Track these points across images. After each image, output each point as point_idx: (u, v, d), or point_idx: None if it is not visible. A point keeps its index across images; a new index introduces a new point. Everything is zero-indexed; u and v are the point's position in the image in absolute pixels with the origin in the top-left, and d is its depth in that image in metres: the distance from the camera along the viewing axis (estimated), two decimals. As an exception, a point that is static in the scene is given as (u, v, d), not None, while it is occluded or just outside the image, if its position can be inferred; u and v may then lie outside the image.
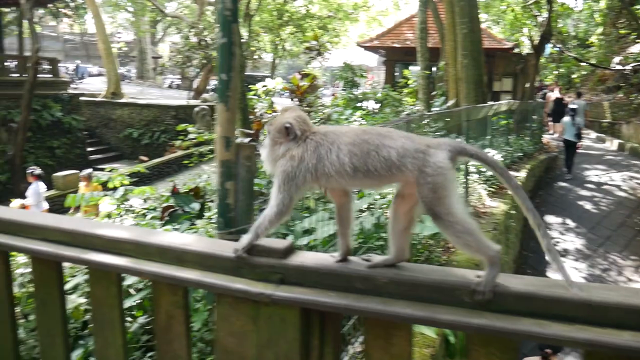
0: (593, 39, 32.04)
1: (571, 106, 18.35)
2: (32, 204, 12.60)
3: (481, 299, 1.51)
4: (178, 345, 1.90)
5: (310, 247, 4.70)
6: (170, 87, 49.22)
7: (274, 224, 1.77)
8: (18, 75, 23.10)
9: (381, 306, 1.55)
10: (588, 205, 14.02)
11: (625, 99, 25.26)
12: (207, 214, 6.24)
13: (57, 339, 2.21)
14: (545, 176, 16.28)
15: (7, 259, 2.27)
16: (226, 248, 1.84)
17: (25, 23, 28.38)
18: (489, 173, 10.61)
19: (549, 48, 26.69)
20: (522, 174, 12.37)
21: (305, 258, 1.76)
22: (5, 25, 29.02)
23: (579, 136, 16.68)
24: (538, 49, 19.94)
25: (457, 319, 1.48)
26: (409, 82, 17.03)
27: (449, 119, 7.96)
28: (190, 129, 11.89)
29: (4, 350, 2.26)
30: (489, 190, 10.03)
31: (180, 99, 32.05)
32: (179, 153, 23.08)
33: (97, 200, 9.02)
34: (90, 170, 13.77)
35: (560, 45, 24.43)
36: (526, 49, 28.78)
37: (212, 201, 6.64)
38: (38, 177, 12.86)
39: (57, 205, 16.55)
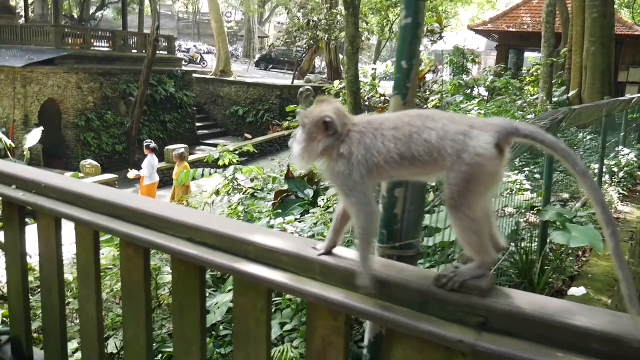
0: None
1: None
2: (146, 175, 13.21)
3: (443, 283, 1.42)
4: (333, 374, 1.63)
5: (434, 251, 4.34)
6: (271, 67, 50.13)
7: (373, 230, 1.60)
8: (137, 51, 24.46)
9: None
10: None
11: None
12: (321, 202, 6.06)
13: (194, 346, 2.03)
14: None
15: (148, 256, 2.12)
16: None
17: (146, 1, 29.97)
18: (621, 174, 9.59)
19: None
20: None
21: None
22: (128, 3, 30.75)
23: None
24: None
25: None
26: (534, 69, 15.82)
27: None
28: (299, 109, 11.80)
29: (137, 353, 2.13)
30: (621, 193, 9.04)
31: (282, 79, 32.45)
32: (282, 132, 23.37)
33: (208, 177, 9.17)
34: (182, 149, 14.04)
35: None
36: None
37: (325, 189, 6.44)
38: (153, 150, 13.43)
39: (166, 177, 17.40)
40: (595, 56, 15.55)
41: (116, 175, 16.27)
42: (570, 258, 5.44)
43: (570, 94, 16.37)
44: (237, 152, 9.66)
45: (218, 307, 3.97)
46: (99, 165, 17.03)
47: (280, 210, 5.40)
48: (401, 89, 1.82)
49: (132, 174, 13.47)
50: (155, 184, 13.56)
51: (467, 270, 1.46)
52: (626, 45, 24.13)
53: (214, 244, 1.84)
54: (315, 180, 6.61)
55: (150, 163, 13.30)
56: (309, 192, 6.02)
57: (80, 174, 15.54)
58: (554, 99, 15.44)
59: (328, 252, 1.69)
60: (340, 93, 12.68)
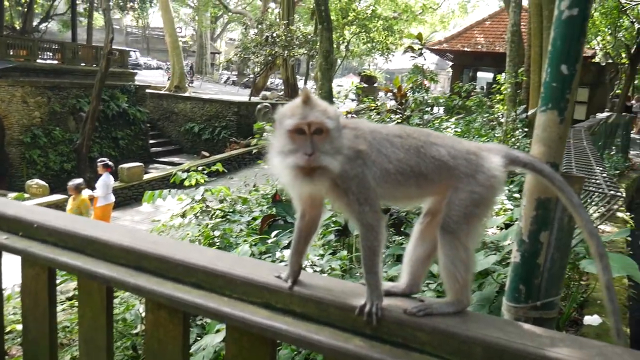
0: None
1: None
2: (100, 196, 12.37)
3: (410, 312, 1.33)
4: None
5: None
6: (226, 83, 49.52)
7: (382, 249, 1.43)
8: (87, 65, 23.40)
9: None
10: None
11: None
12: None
13: None
14: (637, 197, 14.97)
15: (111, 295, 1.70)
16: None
17: (95, 14, 28.86)
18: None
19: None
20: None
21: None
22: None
23: None
24: (634, 57, 18.47)
25: None
26: (503, 88, 16.05)
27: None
28: (267, 127, 11.35)
29: None
30: (599, 212, 9.02)
31: (237, 95, 31.88)
32: (240, 150, 22.80)
33: (181, 200, 8.54)
34: (80, 180, 12.04)
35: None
36: (602, 57, 27.29)
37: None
38: (109, 169, 12.61)
39: (120, 197, 16.48)
40: (553, 76, 15.90)
41: (66, 196, 15.25)
42: (574, 283, 5.22)
43: (529, 112, 16.66)
44: (206, 171, 9.07)
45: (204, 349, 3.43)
46: (46, 185, 15.95)
47: (270, 237, 4.92)
48: (558, 102, 1.44)
49: (84, 194, 12.57)
50: (110, 205, 12.73)
51: (440, 304, 1.37)
52: (574, 66, 25.07)
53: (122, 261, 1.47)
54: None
55: (106, 182, 12.47)
56: (298, 216, 5.59)
57: (26, 195, 14.48)
58: (510, 118, 15.65)
59: (295, 280, 1.47)
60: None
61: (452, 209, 1.36)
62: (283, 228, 5.24)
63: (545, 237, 1.49)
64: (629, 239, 10.04)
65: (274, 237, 4.73)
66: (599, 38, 29.49)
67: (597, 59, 26.45)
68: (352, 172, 1.37)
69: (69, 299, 5.89)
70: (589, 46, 28.62)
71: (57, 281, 4.28)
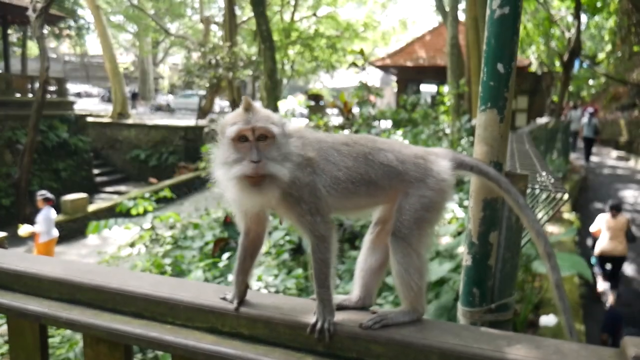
0: (601, 56, 31.93)
1: (589, 110, 21.85)
2: (42, 231, 11.81)
3: (365, 326, 1.28)
4: None
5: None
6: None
7: (334, 261, 1.38)
8: (22, 95, 22.49)
9: None
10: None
11: (643, 116, 24.82)
12: (264, 248, 5.51)
13: None
14: (580, 198, 15.59)
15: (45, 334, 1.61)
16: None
17: (30, 43, 27.90)
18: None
19: (577, 64, 26.51)
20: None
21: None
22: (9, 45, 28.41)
23: (596, 133, 21.65)
24: (567, 65, 19.39)
25: None
26: (446, 99, 16.50)
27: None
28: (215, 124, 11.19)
29: None
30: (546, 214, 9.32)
31: (183, 119, 31.45)
32: (189, 175, 22.40)
33: (129, 228, 8.24)
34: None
35: (588, 62, 24.03)
36: (537, 66, 28.55)
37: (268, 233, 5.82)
38: (50, 202, 12.06)
39: (65, 231, 15.79)
40: (493, 86, 16.48)
41: (5, 233, 14.44)
42: (528, 285, 5.31)
43: (473, 122, 17.15)
44: (153, 198, 8.81)
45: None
46: (-17, 222, 15.10)
47: (222, 260, 4.78)
48: (497, 100, 1.43)
49: (24, 230, 11.96)
50: (54, 240, 12.16)
51: (396, 314, 1.31)
52: (512, 75, 26.13)
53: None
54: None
55: (47, 217, 11.91)
56: (250, 237, 5.48)
57: (-38, 234, 13.65)
58: (456, 128, 16.11)
59: (242, 300, 1.41)
60: (253, 130, 12.29)
61: (403, 214, 1.32)
62: (235, 250, 5.12)
63: (494, 238, 1.48)
64: (577, 238, 10.41)
65: (226, 260, 4.59)
66: (533, 48, 30.91)
67: (533, 69, 27.60)
68: (304, 180, 1.30)
69: (7, 342, 5.51)
70: (524, 56, 29.92)
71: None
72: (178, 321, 1.41)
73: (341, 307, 1.41)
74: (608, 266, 9.72)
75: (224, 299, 1.42)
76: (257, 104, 1.40)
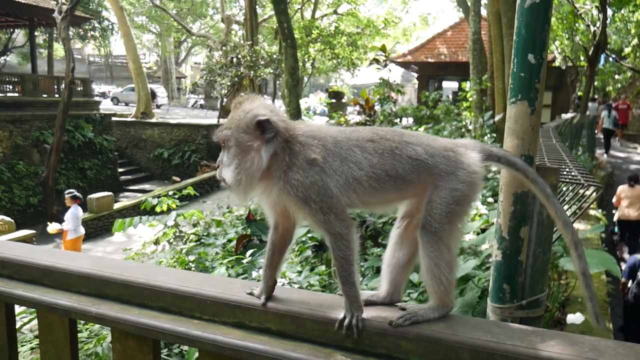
0: (627, 50, 31.29)
1: (608, 103, 22.51)
2: (70, 229, 12.04)
3: (396, 323, 1.26)
4: None
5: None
6: (194, 106, 49.20)
7: (356, 258, 1.36)
8: (49, 96, 22.92)
9: None
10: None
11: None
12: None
13: None
14: (606, 194, 15.28)
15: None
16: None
17: (56, 44, 28.43)
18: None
19: (603, 59, 26.01)
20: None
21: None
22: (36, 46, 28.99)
23: (616, 125, 22.22)
24: (593, 59, 19.00)
25: None
26: (468, 95, 16.29)
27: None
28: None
29: None
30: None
31: (205, 118, 31.68)
32: (212, 173, 22.57)
33: (153, 226, 8.33)
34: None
35: (614, 56, 23.57)
36: (561, 61, 28.09)
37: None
38: (77, 200, 12.28)
39: (91, 229, 16.06)
40: (516, 81, 16.26)
41: (34, 231, 14.76)
42: (555, 282, 5.22)
43: (496, 118, 16.93)
44: (177, 196, 8.89)
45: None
46: (12, 221, 15.42)
47: (246, 257, 4.80)
48: (528, 92, 1.40)
49: (52, 228, 12.21)
50: (81, 238, 12.38)
51: (426, 310, 1.30)
52: (536, 71, 25.77)
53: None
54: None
55: (75, 215, 12.13)
56: (273, 234, 5.48)
57: (-8, 232, 13.97)
58: (478, 124, 15.92)
59: (269, 296, 1.40)
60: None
61: (434, 208, 1.30)
62: (258, 247, 5.13)
63: (525, 233, 1.44)
64: (603, 235, 10.29)
65: (249, 256, 4.61)
66: (557, 43, 30.42)
67: (557, 63, 27.16)
68: (308, 181, 1.29)
69: (37, 336, 5.62)
70: (548, 50, 29.48)
71: (27, 318, 4.04)
72: (205, 316, 1.41)
73: (369, 303, 1.39)
74: (626, 234, 11.06)
75: (251, 294, 1.42)
76: (249, 100, 1.41)
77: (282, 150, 1.30)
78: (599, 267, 3.59)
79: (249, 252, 4.73)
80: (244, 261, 4.63)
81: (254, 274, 4.20)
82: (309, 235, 6.02)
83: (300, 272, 4.41)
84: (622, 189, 11.18)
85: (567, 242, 1.31)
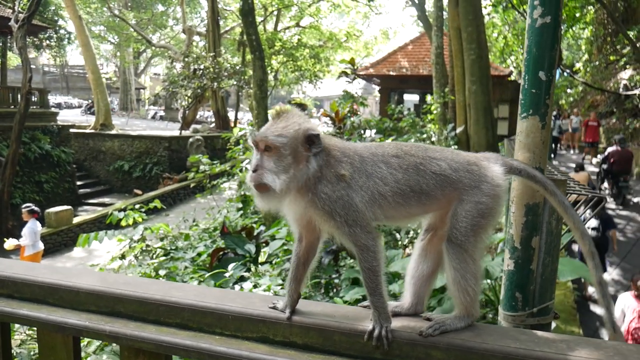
0: (578, 65, 32.66)
1: (554, 113, 22.61)
2: (28, 244, 11.60)
3: (427, 333, 1.28)
4: None
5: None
6: (154, 118, 48.42)
7: (382, 268, 1.38)
8: (4, 107, 22.12)
9: None
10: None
11: (621, 124, 25.29)
12: (261, 258, 5.45)
13: None
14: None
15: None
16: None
17: (10, 54, 27.49)
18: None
19: (558, 74, 26.94)
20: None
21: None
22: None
23: (560, 132, 24.80)
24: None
25: None
26: (432, 108, 16.58)
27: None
28: (204, 159, 11.13)
29: None
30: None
31: (166, 130, 31.21)
32: (175, 185, 22.22)
33: (120, 240, 8.16)
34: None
35: (568, 71, 24.46)
36: (517, 75, 29.01)
37: (265, 243, 5.79)
38: (35, 215, 11.86)
39: (49, 244, 15.50)
40: (476, 94, 16.67)
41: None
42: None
43: (458, 130, 17.33)
44: (144, 209, 8.72)
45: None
46: (-35, 237, 14.76)
47: (222, 270, 4.73)
48: (538, 107, 1.46)
49: (10, 244, 11.72)
50: (40, 253, 11.94)
51: (453, 320, 1.32)
52: (494, 84, 26.45)
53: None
54: (255, 234, 5.99)
55: (33, 229, 11.71)
56: (250, 247, 5.41)
57: (-57, 250, 13.31)
58: (443, 136, 16.25)
59: (293, 309, 1.41)
60: (240, 141, 12.27)
61: (459, 221, 1.33)
62: (234, 260, 5.06)
63: (536, 243, 1.50)
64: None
65: (231, 270, 4.55)
66: (512, 57, 31.47)
67: (513, 77, 28.03)
68: (335, 195, 1.32)
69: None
70: (504, 65, 30.45)
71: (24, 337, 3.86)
72: (227, 331, 1.39)
73: (394, 314, 1.41)
74: None
75: (274, 308, 1.41)
76: (288, 113, 1.42)
77: (322, 164, 1.32)
78: (572, 275, 3.70)
79: (231, 265, 4.67)
80: (226, 275, 4.57)
81: (237, 287, 4.15)
82: (285, 248, 6.00)
83: (282, 285, 4.39)
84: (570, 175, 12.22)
85: (584, 252, 1.35)
